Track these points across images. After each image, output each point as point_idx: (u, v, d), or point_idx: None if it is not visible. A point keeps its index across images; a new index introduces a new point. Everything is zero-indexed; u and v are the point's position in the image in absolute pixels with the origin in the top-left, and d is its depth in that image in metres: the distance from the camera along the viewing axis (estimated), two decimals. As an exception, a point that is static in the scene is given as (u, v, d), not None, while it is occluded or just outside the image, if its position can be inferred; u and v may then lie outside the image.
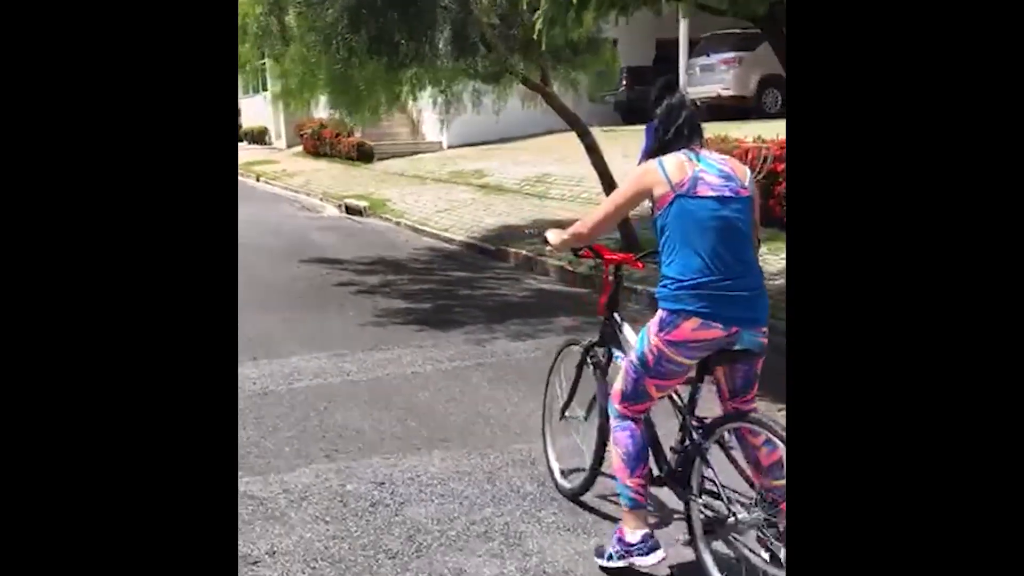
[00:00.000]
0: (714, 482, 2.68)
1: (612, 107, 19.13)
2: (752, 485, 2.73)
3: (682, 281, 2.60)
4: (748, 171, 2.76)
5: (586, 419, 3.45)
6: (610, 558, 2.88)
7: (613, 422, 2.90)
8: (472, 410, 4.61)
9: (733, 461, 2.76)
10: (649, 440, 2.96)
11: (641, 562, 2.81)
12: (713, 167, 2.67)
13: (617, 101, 18.96)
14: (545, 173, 13.80)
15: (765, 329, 2.67)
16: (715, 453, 2.76)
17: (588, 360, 3.35)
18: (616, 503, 3.30)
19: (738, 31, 17.32)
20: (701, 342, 2.62)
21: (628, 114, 18.28)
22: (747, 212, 2.67)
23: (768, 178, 8.10)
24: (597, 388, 3.29)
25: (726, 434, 2.76)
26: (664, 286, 2.65)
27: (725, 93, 16.92)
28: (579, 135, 8.53)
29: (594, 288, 7.67)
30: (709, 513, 2.71)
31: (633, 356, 2.78)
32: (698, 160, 2.68)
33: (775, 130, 10.30)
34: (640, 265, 3.20)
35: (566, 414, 3.56)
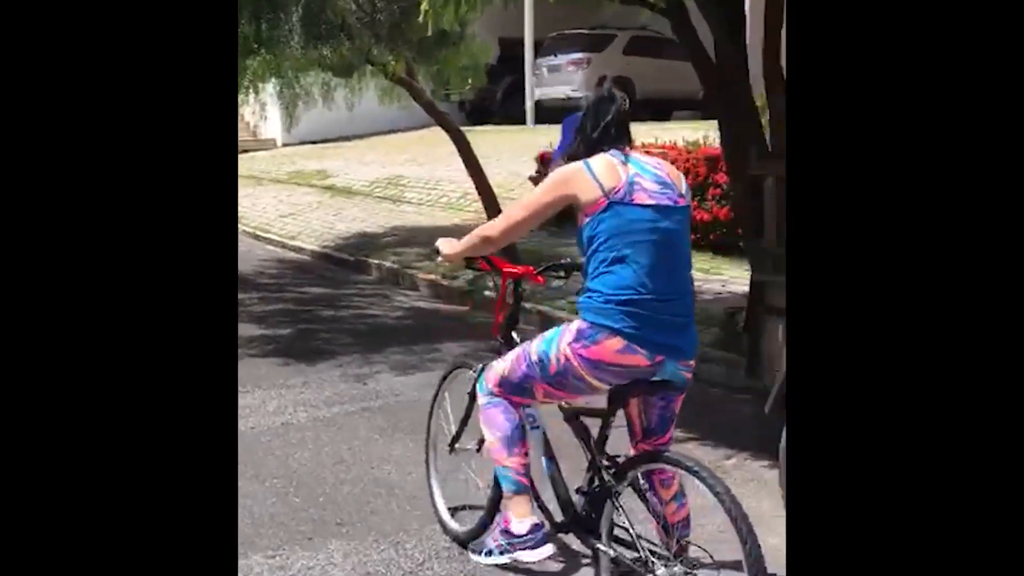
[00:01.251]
0: (628, 531, 2.37)
1: (457, 107, 18.47)
2: (669, 535, 2.43)
3: (611, 296, 2.31)
4: (683, 177, 2.49)
5: (479, 450, 3.04)
6: (490, 554, 2.57)
7: (482, 399, 2.60)
8: (368, 476, 3.72)
9: (649, 506, 2.46)
10: (552, 479, 2.70)
11: (527, 557, 2.51)
12: (648, 171, 2.39)
13: (462, 100, 18.33)
14: (397, 175, 12.87)
15: (692, 363, 2.44)
16: (629, 498, 2.45)
17: None
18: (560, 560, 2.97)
19: (585, 31, 17.11)
20: (620, 368, 2.34)
21: (472, 114, 17.68)
22: (686, 225, 2.44)
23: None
24: None
25: (640, 477, 2.44)
26: (589, 297, 2.36)
27: (574, 95, 16.59)
28: (450, 134, 7.74)
29: (475, 306, 6.91)
30: (622, 565, 2.43)
31: (533, 352, 2.45)
32: (630, 162, 2.38)
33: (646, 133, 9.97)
34: (541, 280, 2.90)
35: (456, 447, 3.13)
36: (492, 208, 7.68)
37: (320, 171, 14.21)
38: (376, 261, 8.29)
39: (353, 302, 7.19)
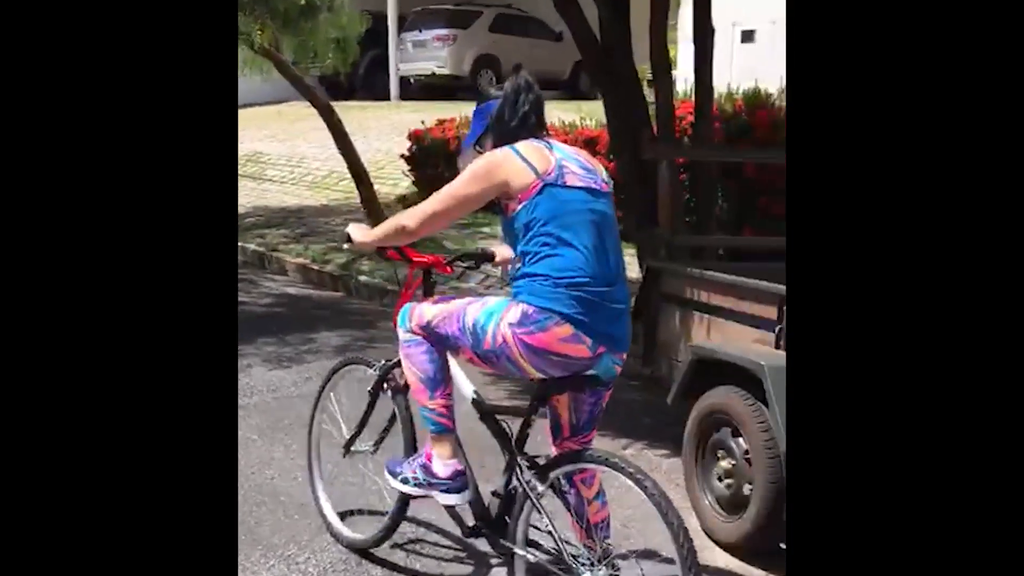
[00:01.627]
0: (551, 533, 2.25)
1: (317, 81, 17.78)
2: (593, 539, 2.33)
3: (559, 279, 2.18)
4: (598, 163, 2.42)
5: (375, 452, 2.87)
6: (405, 481, 2.49)
7: (403, 336, 2.45)
8: (249, 482, 3.42)
9: (572, 508, 2.36)
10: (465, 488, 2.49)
11: (441, 500, 2.46)
12: (572, 158, 2.32)
13: (322, 75, 17.67)
14: (256, 151, 12.26)
15: (624, 356, 2.33)
16: (550, 500, 2.32)
17: (385, 385, 2.78)
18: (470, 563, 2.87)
19: (450, 7, 16.83)
20: (562, 358, 2.21)
21: (332, 88, 17.08)
22: (613, 210, 2.35)
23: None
24: (399, 417, 2.74)
25: (562, 478, 2.33)
26: (532, 281, 2.21)
27: (440, 71, 16.36)
28: (319, 110, 7.37)
29: (349, 292, 6.62)
30: (539, 570, 2.31)
31: (469, 318, 2.30)
32: (553, 148, 2.31)
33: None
34: (449, 270, 2.75)
35: (352, 449, 2.91)
36: (365, 188, 7.38)
37: (171, 146, 13.37)
38: (239, 243, 7.81)
39: (217, 288, 6.73)
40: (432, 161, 8.60)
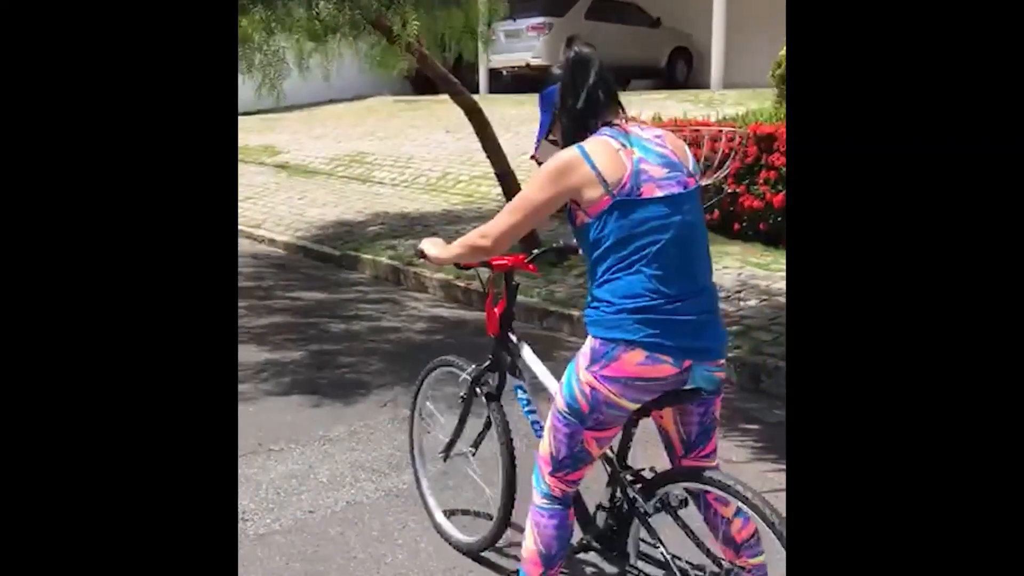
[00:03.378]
0: (662, 552, 2.16)
1: (402, 75, 17.26)
2: (713, 559, 2.18)
3: (622, 305, 2.05)
4: (686, 147, 2.19)
5: (475, 454, 2.90)
6: None
7: (538, 500, 2.30)
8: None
9: (684, 527, 2.16)
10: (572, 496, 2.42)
11: None
12: (652, 152, 2.09)
13: (409, 72, 17.15)
14: (359, 151, 11.65)
15: (722, 362, 2.17)
16: (661, 516, 2.18)
17: (478, 390, 2.80)
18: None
19: (545, -5, 16.09)
20: (648, 381, 2.07)
21: (419, 83, 16.51)
22: (700, 210, 2.14)
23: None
24: (495, 423, 2.75)
25: (673, 494, 2.18)
26: (596, 308, 2.10)
27: (535, 62, 15.61)
28: (465, 109, 6.69)
29: (508, 313, 5.91)
30: None
31: (561, 405, 2.19)
32: (630, 143, 2.07)
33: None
34: (533, 268, 2.66)
35: (451, 454, 2.96)
36: (512, 196, 6.67)
37: (267, 146, 12.85)
38: (369, 256, 7.16)
39: (362, 311, 6.06)
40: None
